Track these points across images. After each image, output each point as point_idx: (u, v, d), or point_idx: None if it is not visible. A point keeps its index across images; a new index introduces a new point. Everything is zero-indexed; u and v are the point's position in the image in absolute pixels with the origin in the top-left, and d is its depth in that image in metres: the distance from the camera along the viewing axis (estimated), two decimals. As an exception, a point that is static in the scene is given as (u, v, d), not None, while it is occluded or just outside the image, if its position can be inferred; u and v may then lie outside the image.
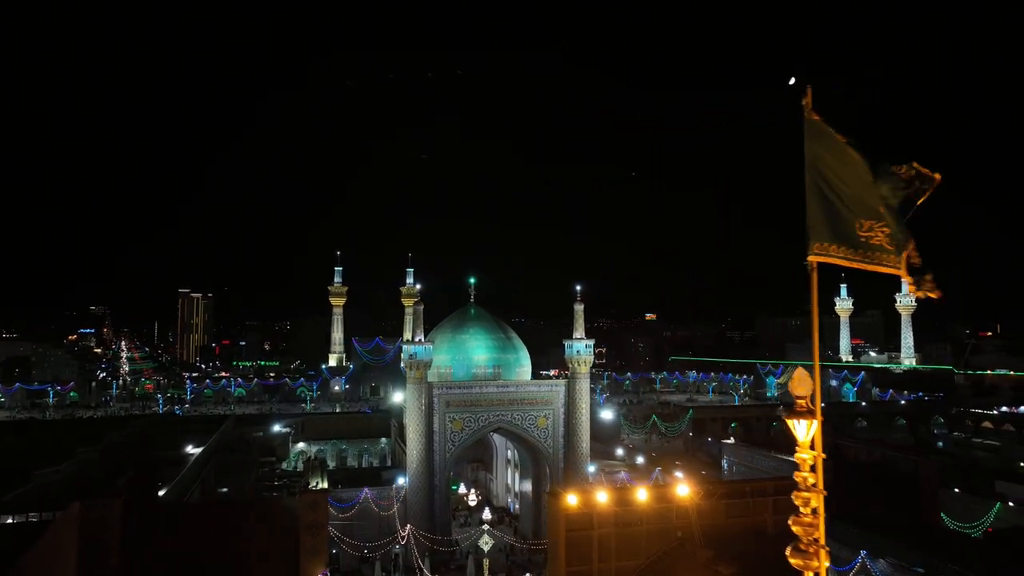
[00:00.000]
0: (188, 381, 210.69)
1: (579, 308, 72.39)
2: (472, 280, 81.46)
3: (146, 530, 40.09)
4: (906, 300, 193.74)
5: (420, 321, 68.05)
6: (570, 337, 71.08)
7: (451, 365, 74.27)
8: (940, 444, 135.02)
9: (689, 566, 32.91)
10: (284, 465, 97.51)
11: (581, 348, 70.49)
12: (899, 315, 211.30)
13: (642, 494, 33.18)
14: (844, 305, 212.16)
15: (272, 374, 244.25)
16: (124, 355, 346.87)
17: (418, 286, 65.51)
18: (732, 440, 60.45)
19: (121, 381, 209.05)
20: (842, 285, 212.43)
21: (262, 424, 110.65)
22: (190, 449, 74.49)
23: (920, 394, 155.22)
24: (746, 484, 36.64)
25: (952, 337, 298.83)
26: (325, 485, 47.58)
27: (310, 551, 41.09)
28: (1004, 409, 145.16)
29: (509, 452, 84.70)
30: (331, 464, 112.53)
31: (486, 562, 57.89)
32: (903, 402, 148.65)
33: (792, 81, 11.95)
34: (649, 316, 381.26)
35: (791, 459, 40.46)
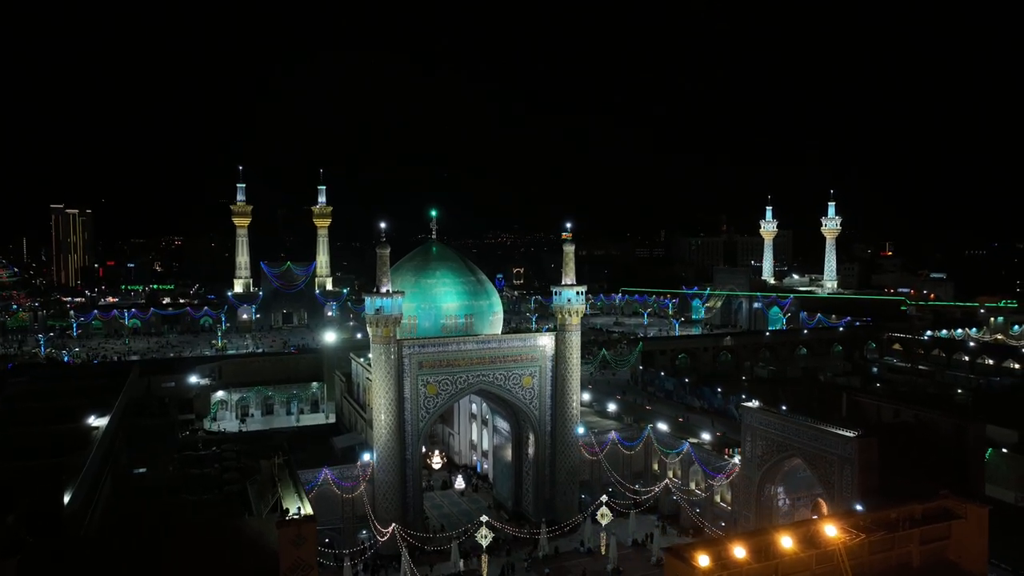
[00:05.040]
0: (71, 310, 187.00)
1: (569, 249, 62.35)
2: (434, 213, 69.40)
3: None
4: (831, 224, 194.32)
5: (386, 268, 55.87)
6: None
7: (416, 315, 62.95)
8: (874, 370, 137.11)
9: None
10: (206, 423, 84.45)
11: (572, 296, 60.76)
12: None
13: (786, 542, 24.49)
14: (769, 228, 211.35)
15: (167, 299, 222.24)
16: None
17: (383, 226, 53.35)
18: (755, 403, 52.95)
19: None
20: (768, 208, 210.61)
21: (172, 372, 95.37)
22: (93, 420, 60.44)
23: (849, 319, 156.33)
24: (892, 511, 28.93)
25: (857, 257, 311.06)
26: (309, 509, 36.23)
27: (295, 602, 30.37)
28: (929, 333, 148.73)
29: (474, 406, 75.40)
30: (255, 413, 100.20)
31: (484, 558, 48.94)
32: (840, 328, 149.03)
33: None
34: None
35: (838, 430, 30.57)
